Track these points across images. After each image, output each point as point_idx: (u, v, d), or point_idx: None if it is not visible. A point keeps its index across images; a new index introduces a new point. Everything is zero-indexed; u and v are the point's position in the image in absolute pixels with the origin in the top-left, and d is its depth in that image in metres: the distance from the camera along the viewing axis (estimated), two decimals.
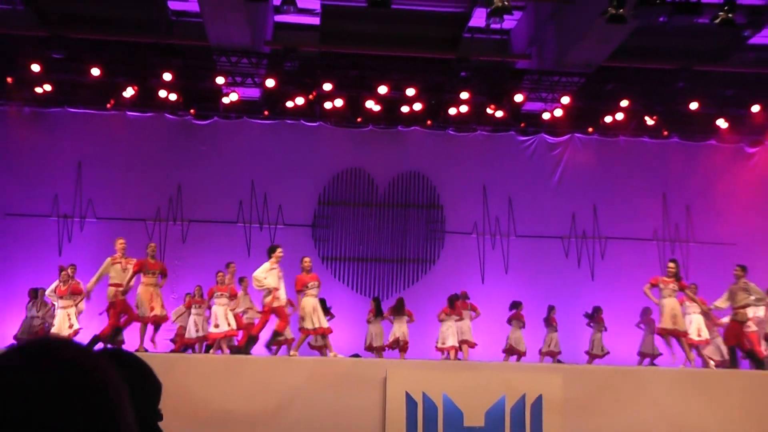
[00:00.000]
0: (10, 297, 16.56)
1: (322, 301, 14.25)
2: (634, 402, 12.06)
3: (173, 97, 17.85)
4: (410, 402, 11.51)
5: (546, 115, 18.58)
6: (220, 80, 17.60)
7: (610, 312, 16.59)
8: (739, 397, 12.24)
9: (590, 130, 19.11)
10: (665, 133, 19.09)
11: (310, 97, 17.92)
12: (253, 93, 18.43)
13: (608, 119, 18.61)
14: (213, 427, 11.28)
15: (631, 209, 18.87)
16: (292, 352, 13.35)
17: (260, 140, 18.58)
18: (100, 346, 12.46)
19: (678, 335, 13.81)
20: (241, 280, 15.32)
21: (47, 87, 17.55)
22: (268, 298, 13.36)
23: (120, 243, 14.20)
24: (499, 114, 18.35)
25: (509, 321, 16.07)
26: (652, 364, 15.41)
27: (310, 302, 13.42)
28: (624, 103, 18.22)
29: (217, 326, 13.87)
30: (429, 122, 18.79)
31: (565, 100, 18.05)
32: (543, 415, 11.57)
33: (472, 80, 18.01)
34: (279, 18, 17.27)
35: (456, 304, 15.45)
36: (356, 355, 14.56)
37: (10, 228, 17.74)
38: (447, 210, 18.95)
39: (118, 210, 18.10)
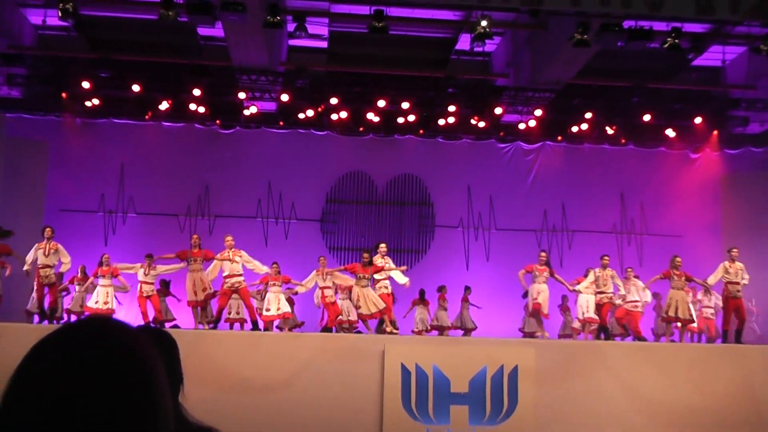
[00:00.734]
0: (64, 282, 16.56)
1: None
2: (595, 371, 12.08)
3: (202, 109, 17.84)
4: (405, 372, 11.52)
5: (522, 126, 18.55)
6: (241, 95, 17.59)
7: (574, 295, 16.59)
8: (683, 367, 12.24)
9: (559, 138, 19.09)
10: (623, 141, 19.07)
11: (319, 109, 17.90)
12: (270, 106, 18.40)
13: (575, 129, 18.59)
14: (235, 392, 11.29)
15: (593, 206, 18.87)
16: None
17: (276, 147, 18.56)
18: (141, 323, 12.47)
19: (545, 317, 13.93)
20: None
21: (96, 101, 17.57)
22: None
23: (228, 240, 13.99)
24: (482, 124, 18.31)
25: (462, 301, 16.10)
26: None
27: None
28: (588, 115, 18.22)
29: (268, 310, 13.84)
30: (421, 131, 18.76)
31: (538, 112, 18.04)
32: (518, 382, 11.59)
33: (458, 95, 18.01)
34: (292, 42, 17.26)
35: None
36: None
37: (64, 222, 17.69)
38: (437, 207, 18.95)
39: (155, 206, 18.11)
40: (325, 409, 11.45)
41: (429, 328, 15.18)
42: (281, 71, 17.57)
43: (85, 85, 17.09)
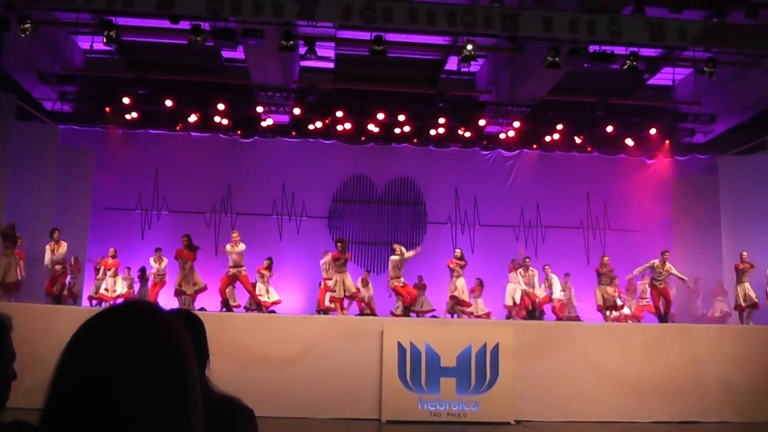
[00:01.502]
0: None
1: None
2: (566, 348, 12.08)
3: (225, 122, 17.85)
4: (401, 349, 11.51)
5: (502, 136, 18.56)
6: (259, 109, 17.61)
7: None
8: (639, 344, 12.24)
9: (534, 147, 19.09)
10: (589, 149, 19.07)
11: (326, 122, 17.91)
12: (284, 119, 18.39)
13: (548, 139, 18.61)
14: (254, 366, 11.28)
15: (564, 205, 18.85)
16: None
17: (289, 154, 18.54)
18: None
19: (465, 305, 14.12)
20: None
21: (134, 114, 17.62)
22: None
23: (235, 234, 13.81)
24: (467, 135, 18.33)
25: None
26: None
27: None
28: (559, 127, 18.25)
29: (261, 295, 14.06)
30: (415, 141, 18.74)
31: (516, 124, 18.07)
32: (499, 357, 11.57)
33: (447, 110, 18.03)
34: (303, 63, 17.24)
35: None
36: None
37: (107, 218, 17.75)
38: (428, 206, 18.92)
39: (185, 205, 18.09)
40: (332, 380, 11.44)
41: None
42: (294, 88, 17.59)
43: (126, 100, 17.15)
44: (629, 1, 12.70)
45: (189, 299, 13.01)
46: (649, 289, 14.64)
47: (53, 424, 1.10)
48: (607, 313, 13.75)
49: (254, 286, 14.32)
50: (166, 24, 13.00)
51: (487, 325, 12.55)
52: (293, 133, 18.56)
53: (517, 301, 14.53)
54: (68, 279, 14.63)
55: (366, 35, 13.62)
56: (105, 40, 13.45)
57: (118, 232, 17.34)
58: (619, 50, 13.66)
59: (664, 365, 12.04)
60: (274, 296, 14.66)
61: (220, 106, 17.41)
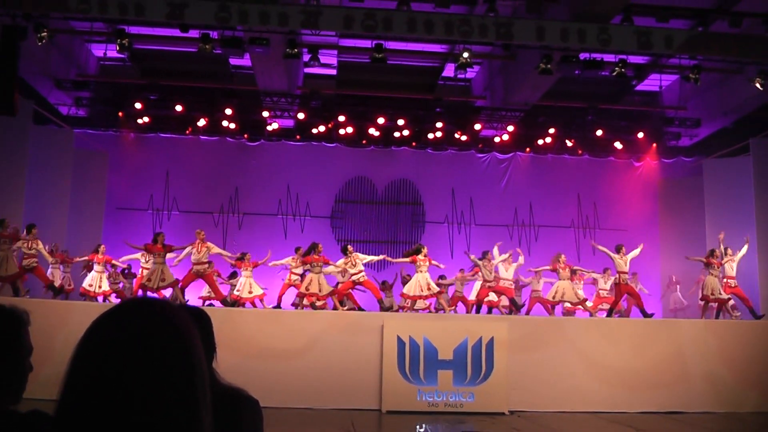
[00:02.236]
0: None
1: None
2: (557, 342, 12.07)
3: (232, 126, 17.84)
4: (400, 342, 11.50)
5: (496, 139, 18.56)
6: (265, 114, 17.61)
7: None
8: (627, 337, 12.24)
9: (528, 150, 19.09)
10: (579, 152, 19.08)
11: (329, 126, 17.90)
12: (289, 123, 18.40)
13: (540, 142, 18.61)
14: (260, 358, 11.28)
15: (555, 205, 18.86)
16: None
17: (294, 157, 18.53)
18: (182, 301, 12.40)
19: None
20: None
21: (146, 119, 17.61)
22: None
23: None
24: (464, 138, 18.33)
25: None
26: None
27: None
28: (551, 130, 18.25)
29: (239, 291, 13.70)
30: (414, 144, 18.74)
31: (510, 128, 18.07)
32: (494, 351, 11.56)
33: (444, 114, 18.02)
34: (307, 70, 17.23)
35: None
36: None
37: (120, 218, 17.75)
38: (426, 206, 18.92)
39: (194, 205, 18.09)
40: (334, 372, 11.44)
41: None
42: (298, 94, 17.58)
43: (138, 105, 17.15)
44: (618, 10, 12.70)
45: (179, 293, 12.53)
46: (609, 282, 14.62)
47: (68, 414, 1.11)
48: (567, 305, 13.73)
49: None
50: (176, 33, 13.00)
51: (482, 320, 12.54)
52: (297, 137, 18.56)
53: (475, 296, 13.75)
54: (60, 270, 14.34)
55: (367, 43, 13.62)
56: (118, 48, 13.45)
57: (130, 232, 17.29)
58: (609, 57, 13.67)
59: (651, 358, 12.04)
60: (257, 290, 13.93)
61: (228, 111, 17.41)
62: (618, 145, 18.57)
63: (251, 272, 13.87)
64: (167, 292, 12.59)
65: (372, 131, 17.95)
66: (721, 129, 17.78)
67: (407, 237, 18.50)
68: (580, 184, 19.03)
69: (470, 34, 12.10)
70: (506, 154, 19.11)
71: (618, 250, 13.08)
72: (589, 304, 13.92)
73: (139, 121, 17.55)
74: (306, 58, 14.32)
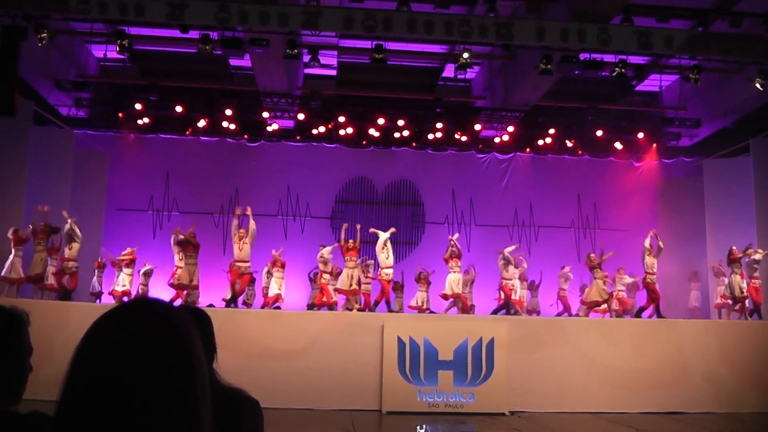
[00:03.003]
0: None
1: None
2: (557, 342, 12.08)
3: (232, 126, 17.83)
4: (400, 343, 11.51)
5: (496, 140, 18.54)
6: (265, 115, 17.60)
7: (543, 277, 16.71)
8: (628, 338, 12.25)
9: (528, 150, 19.08)
10: (579, 152, 19.07)
11: (329, 126, 17.90)
12: (289, 124, 18.39)
13: (540, 143, 18.61)
14: (261, 358, 11.29)
15: (555, 206, 18.85)
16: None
17: (294, 157, 18.53)
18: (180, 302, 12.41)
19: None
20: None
21: (146, 120, 17.60)
22: None
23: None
24: (464, 139, 18.31)
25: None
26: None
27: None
28: (551, 131, 18.25)
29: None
30: (414, 144, 18.73)
31: (510, 128, 18.06)
32: (494, 351, 11.57)
33: (444, 115, 18.02)
34: (307, 70, 17.25)
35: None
36: None
37: (120, 219, 17.75)
38: (426, 206, 18.91)
39: (195, 206, 18.04)
40: (335, 373, 11.44)
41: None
42: (298, 95, 17.58)
43: (138, 106, 17.14)
44: (618, 10, 12.70)
45: (196, 295, 12.98)
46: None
47: (68, 414, 1.10)
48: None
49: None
50: (176, 33, 13.02)
51: (483, 320, 12.55)
52: (298, 138, 18.55)
53: (455, 290, 13.30)
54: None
55: (367, 44, 13.63)
56: (118, 49, 13.46)
57: (130, 232, 17.33)
58: (609, 58, 13.67)
59: (651, 358, 12.05)
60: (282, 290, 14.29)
61: (228, 112, 17.41)
62: (618, 145, 18.57)
63: (283, 272, 14.18)
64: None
65: (372, 132, 17.95)
66: (721, 129, 17.78)
67: (408, 238, 18.50)
68: (580, 184, 19.03)
69: (470, 35, 12.10)
70: (506, 155, 19.10)
71: (648, 253, 13.26)
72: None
73: (139, 121, 17.54)
74: (306, 58, 14.33)
